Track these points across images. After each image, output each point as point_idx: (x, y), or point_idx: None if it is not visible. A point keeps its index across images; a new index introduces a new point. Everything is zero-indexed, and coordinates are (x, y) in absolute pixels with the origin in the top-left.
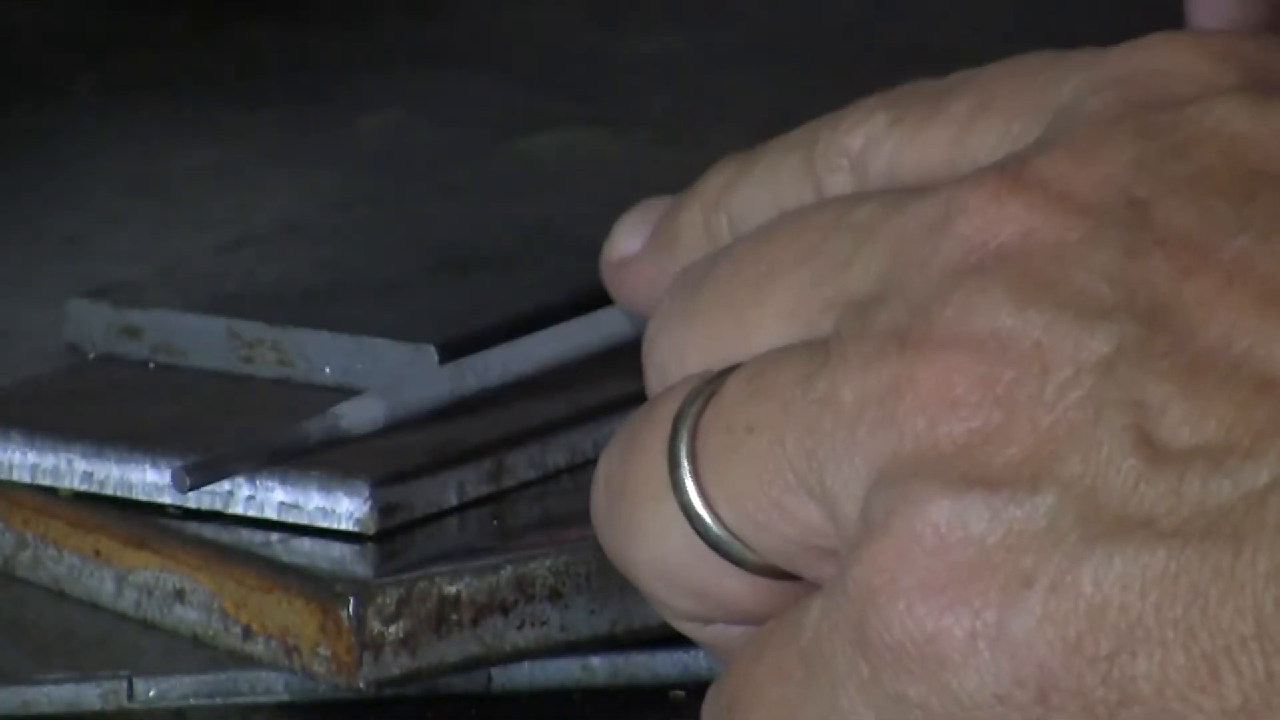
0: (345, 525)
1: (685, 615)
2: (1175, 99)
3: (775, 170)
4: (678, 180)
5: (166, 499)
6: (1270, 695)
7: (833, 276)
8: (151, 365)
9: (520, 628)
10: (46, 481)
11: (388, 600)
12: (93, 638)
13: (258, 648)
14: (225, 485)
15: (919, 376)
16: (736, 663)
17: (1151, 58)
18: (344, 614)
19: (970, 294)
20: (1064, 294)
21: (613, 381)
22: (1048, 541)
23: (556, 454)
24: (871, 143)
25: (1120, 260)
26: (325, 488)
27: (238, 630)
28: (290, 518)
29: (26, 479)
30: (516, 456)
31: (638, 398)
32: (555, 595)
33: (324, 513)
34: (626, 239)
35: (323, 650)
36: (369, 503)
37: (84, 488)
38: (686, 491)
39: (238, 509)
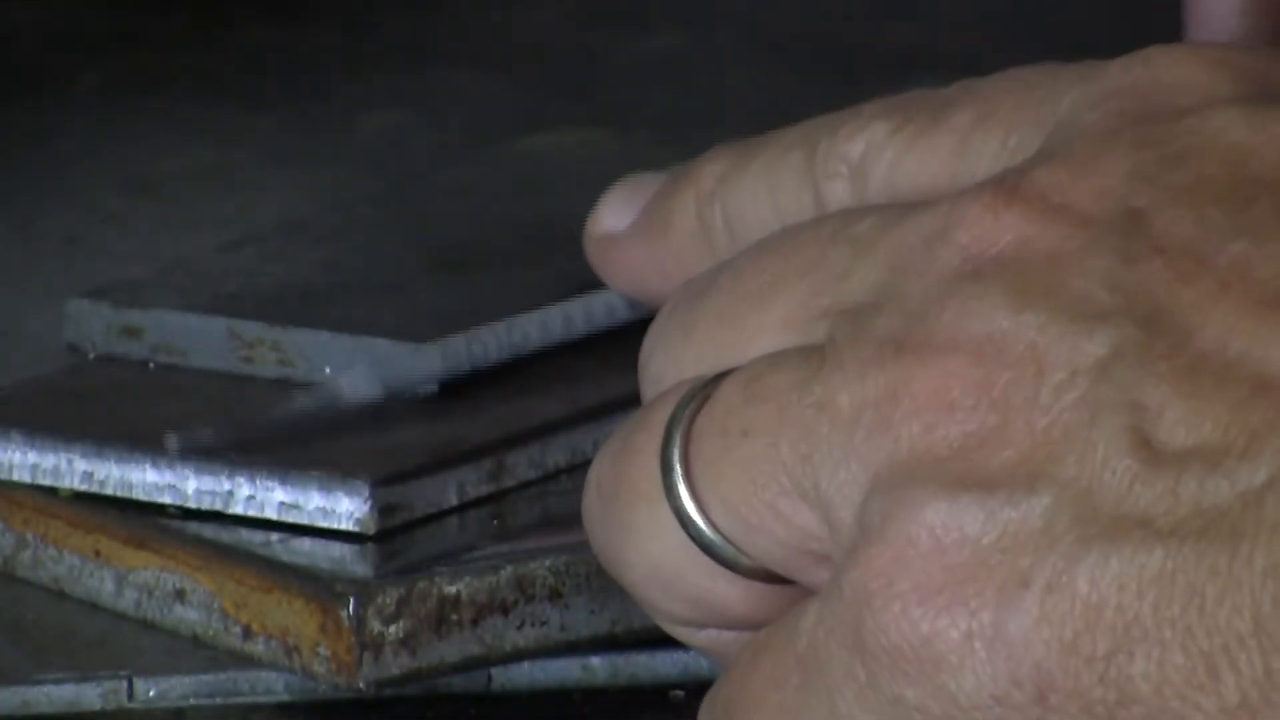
0: (345, 525)
1: (678, 620)
2: (1173, 110)
3: (773, 168)
4: None
5: (166, 499)
6: (1269, 692)
7: (831, 287)
8: (151, 365)
9: (520, 628)
10: (46, 481)
11: (388, 600)
12: (93, 638)
13: (258, 648)
14: (225, 485)
15: (915, 381)
16: (733, 669)
17: (1150, 70)
18: (344, 614)
19: (967, 299)
20: (1061, 298)
21: (613, 381)
22: (1044, 542)
23: (556, 454)
24: (872, 150)
25: (1118, 266)
26: (325, 488)
27: (238, 630)
28: (290, 518)
29: (26, 479)
30: (516, 456)
31: (638, 397)
32: (555, 595)
33: (324, 513)
34: (613, 215)
35: (323, 650)
36: (369, 503)
37: (84, 488)
38: (679, 495)
39: (238, 509)
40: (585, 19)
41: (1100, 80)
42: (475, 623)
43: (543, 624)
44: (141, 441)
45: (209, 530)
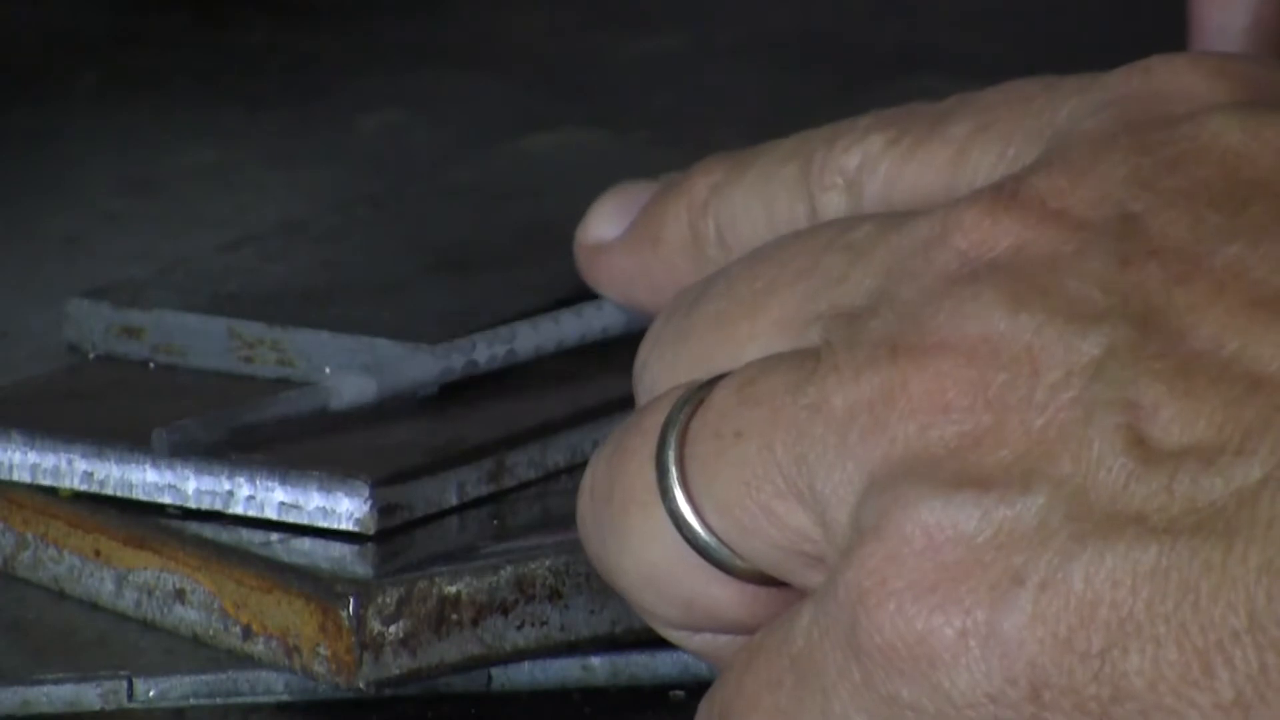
0: (345, 525)
1: (673, 624)
2: (1170, 116)
3: (768, 180)
4: None
5: (166, 499)
6: (1264, 688)
7: (826, 292)
8: (151, 365)
9: (520, 628)
10: (46, 481)
11: (388, 600)
12: (93, 638)
13: (258, 648)
14: (225, 485)
15: (910, 382)
16: (728, 672)
17: (1149, 78)
18: (344, 614)
19: (963, 300)
20: (1056, 299)
21: (613, 381)
22: (1038, 540)
23: (556, 454)
24: (868, 162)
25: (1113, 268)
26: (325, 488)
27: (238, 630)
28: (290, 518)
29: (26, 479)
30: (516, 456)
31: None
32: (555, 595)
33: (324, 513)
34: (603, 223)
35: (323, 650)
36: (369, 503)
37: (84, 488)
38: (675, 498)
39: (238, 509)
40: (585, 19)
41: (1099, 89)
42: (475, 623)
43: (543, 624)
44: (141, 441)
45: (209, 530)
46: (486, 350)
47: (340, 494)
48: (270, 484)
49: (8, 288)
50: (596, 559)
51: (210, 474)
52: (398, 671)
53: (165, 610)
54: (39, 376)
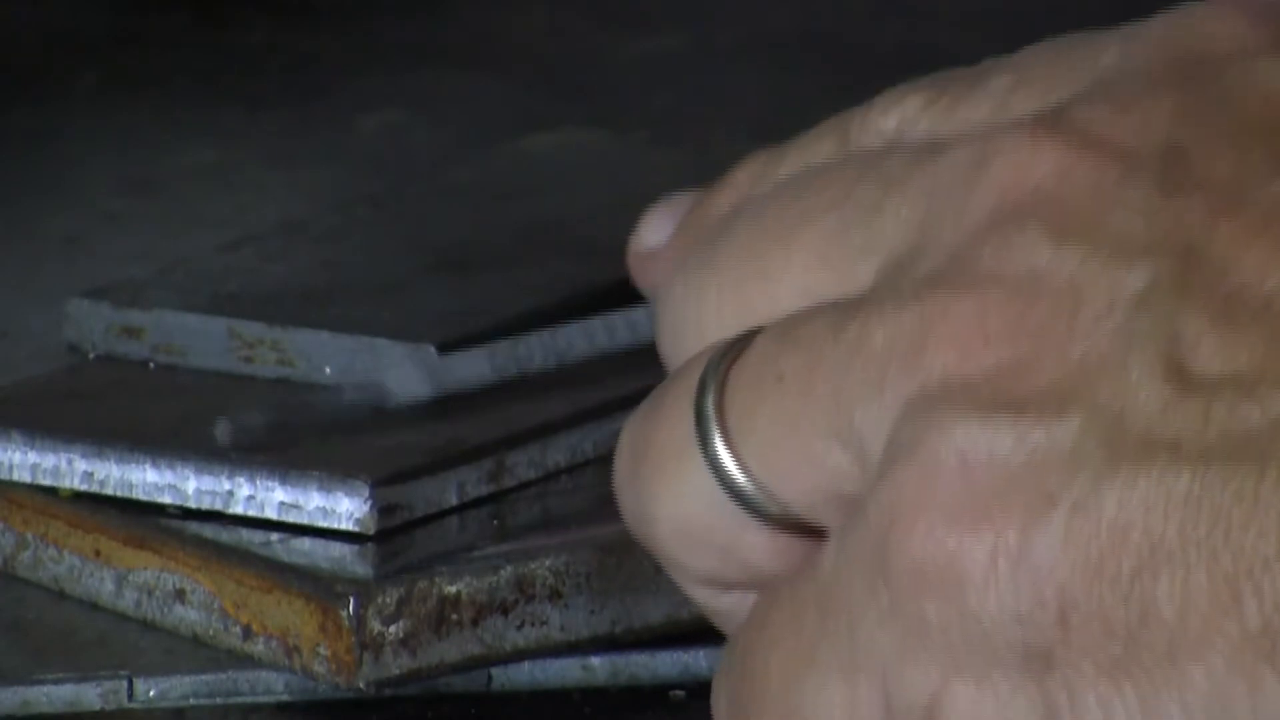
0: (345, 525)
1: (703, 578)
2: (1216, 57)
3: (807, 157)
4: (677, 180)
5: (166, 499)
6: None
7: (861, 222)
8: (151, 365)
9: (520, 628)
10: (46, 481)
11: (388, 600)
12: (93, 638)
13: (258, 648)
14: (225, 485)
15: (951, 314)
16: (752, 613)
17: (1192, 23)
18: (344, 614)
19: (1007, 235)
20: (1100, 232)
21: (612, 381)
22: (1072, 464)
23: (556, 454)
24: (905, 122)
25: (1157, 199)
26: (325, 488)
27: (238, 630)
28: (290, 518)
29: (26, 479)
30: (516, 456)
31: (638, 397)
32: (555, 595)
33: (324, 513)
34: (652, 231)
35: (323, 650)
36: (369, 503)
37: (84, 488)
38: (714, 445)
39: (238, 509)
40: (585, 19)
41: (1143, 35)
42: (475, 623)
43: (543, 624)
44: (141, 441)
45: (209, 530)
46: (540, 352)
47: (340, 494)
48: (270, 484)
49: (8, 288)
50: (629, 515)
51: (210, 474)
52: (398, 671)
53: (165, 610)
54: (39, 376)
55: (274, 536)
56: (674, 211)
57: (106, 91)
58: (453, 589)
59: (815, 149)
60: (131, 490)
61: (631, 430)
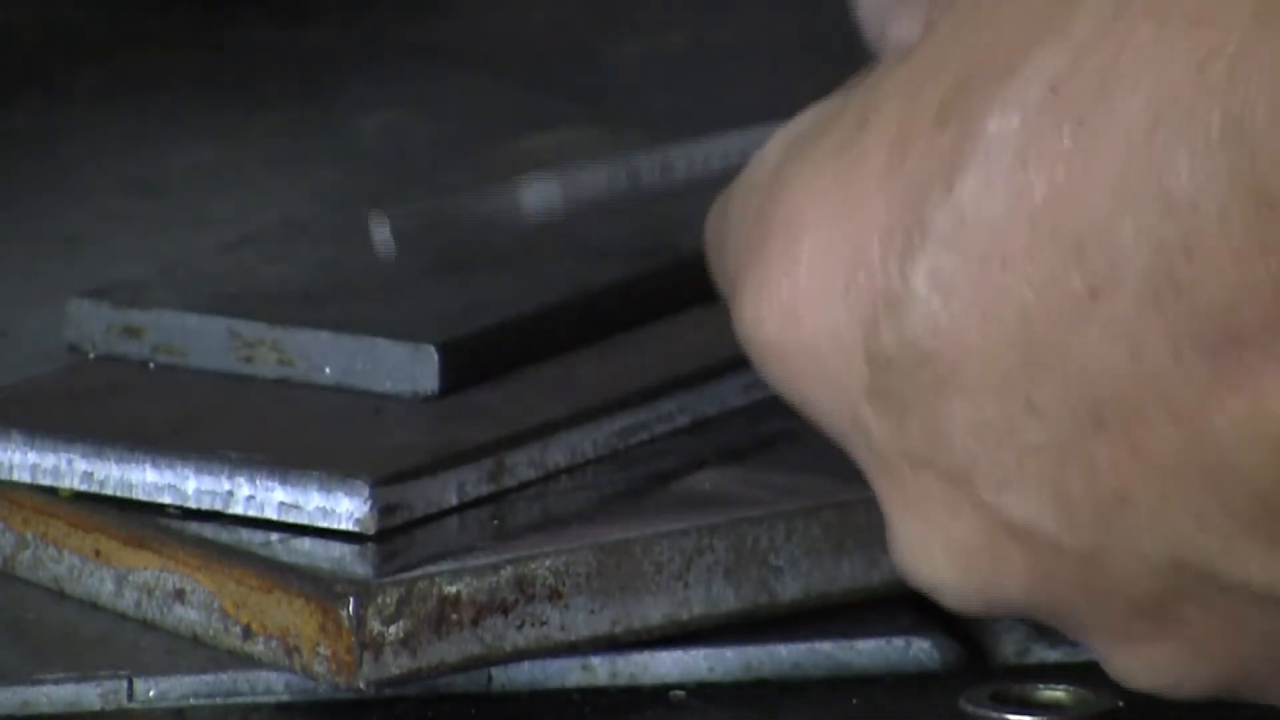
0: (345, 525)
1: None
2: None
3: None
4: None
5: (166, 499)
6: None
7: None
8: (151, 365)
9: (520, 628)
10: (46, 481)
11: (388, 600)
12: (93, 638)
13: (258, 648)
14: (225, 485)
15: None
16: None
17: None
18: (344, 614)
19: None
20: None
21: (613, 381)
22: None
23: (556, 454)
24: None
25: None
26: (325, 488)
27: (238, 630)
28: (290, 518)
29: (26, 479)
30: (516, 456)
31: (638, 396)
32: (555, 595)
33: (324, 513)
34: None
35: (323, 650)
36: (369, 503)
37: (84, 488)
38: None
39: (238, 509)
40: (585, 19)
41: None
42: (475, 623)
43: (543, 624)
44: (141, 441)
45: (209, 530)
46: (650, 175)
47: (340, 494)
48: (270, 484)
49: (8, 288)
50: None
51: (210, 474)
52: (398, 671)
53: (165, 610)
54: (39, 376)
55: (274, 536)
56: None
57: (106, 91)
58: (453, 589)
59: None
60: (131, 490)
61: None
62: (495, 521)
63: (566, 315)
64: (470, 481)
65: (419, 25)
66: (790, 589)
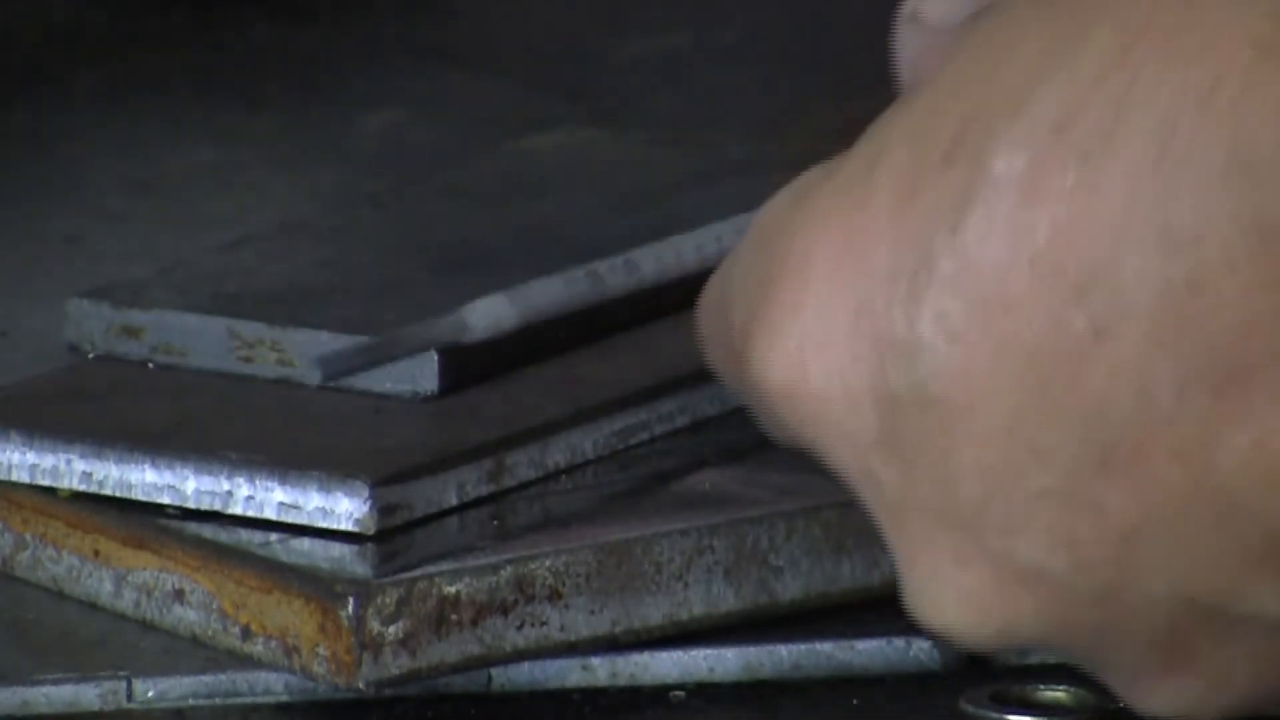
0: (345, 525)
1: None
2: None
3: None
4: (678, 180)
5: (165, 499)
6: None
7: None
8: (151, 365)
9: (520, 628)
10: (46, 481)
11: (387, 600)
12: (92, 638)
13: (257, 648)
14: (225, 485)
15: None
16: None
17: None
18: (344, 614)
19: None
20: None
21: (613, 381)
22: None
23: (556, 454)
24: None
25: None
26: (325, 488)
27: (237, 630)
28: (290, 518)
29: (26, 479)
30: (516, 456)
31: (638, 396)
32: (555, 595)
33: (324, 513)
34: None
35: (322, 650)
36: (369, 503)
37: (83, 488)
38: None
39: (237, 509)
40: (585, 19)
41: None
42: (475, 623)
43: (542, 624)
44: (141, 441)
45: (209, 530)
46: (615, 277)
47: (340, 494)
48: (270, 484)
49: (8, 288)
50: None
51: (209, 474)
52: (397, 672)
53: (164, 610)
54: (39, 376)
55: (273, 537)
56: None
57: (106, 91)
58: (452, 589)
59: None
60: (130, 490)
61: None
62: (495, 521)
63: (566, 315)
64: (470, 481)
65: (419, 25)
66: (790, 589)
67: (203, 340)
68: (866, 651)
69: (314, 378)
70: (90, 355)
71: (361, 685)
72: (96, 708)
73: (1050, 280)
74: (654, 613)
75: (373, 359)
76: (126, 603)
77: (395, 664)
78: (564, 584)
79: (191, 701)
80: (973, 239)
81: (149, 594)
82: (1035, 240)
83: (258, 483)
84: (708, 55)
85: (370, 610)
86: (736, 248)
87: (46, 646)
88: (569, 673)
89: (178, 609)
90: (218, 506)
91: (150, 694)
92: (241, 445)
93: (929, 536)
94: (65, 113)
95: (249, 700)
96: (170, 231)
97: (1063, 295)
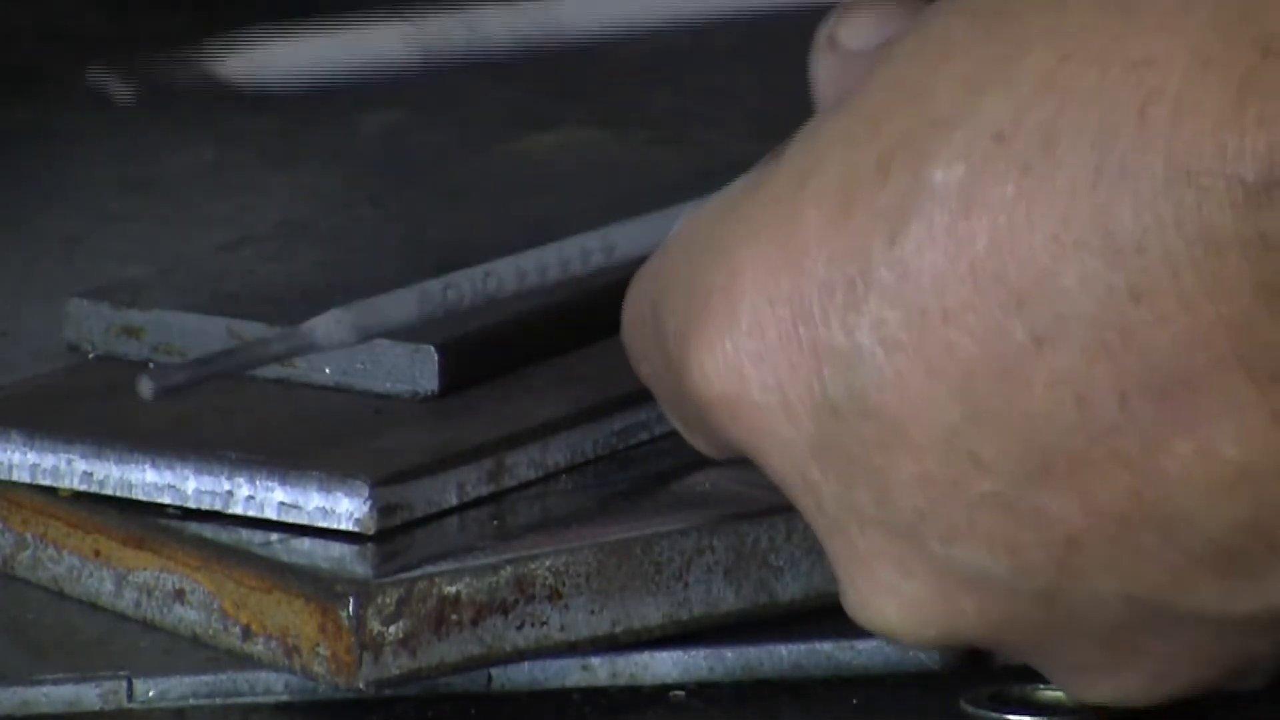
0: (345, 525)
1: None
2: None
3: None
4: (677, 180)
5: (166, 499)
6: None
7: None
8: (151, 365)
9: (520, 628)
10: (46, 481)
11: (388, 600)
12: (93, 638)
13: (257, 648)
14: (225, 485)
15: None
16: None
17: None
18: (344, 614)
19: None
20: None
21: (613, 382)
22: None
23: (556, 454)
24: None
25: None
26: (325, 488)
27: (237, 630)
28: (290, 518)
29: (26, 479)
30: (516, 456)
31: (638, 397)
32: (555, 595)
33: (324, 513)
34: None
35: (322, 650)
36: (369, 503)
37: (84, 488)
38: None
39: (237, 509)
40: None
41: None
42: (475, 623)
43: (542, 624)
44: (141, 441)
45: (209, 530)
46: (468, 285)
47: (340, 494)
48: (270, 484)
49: (8, 288)
50: None
51: (210, 474)
52: (397, 672)
53: (165, 610)
54: (39, 376)
55: (274, 536)
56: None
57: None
58: (452, 589)
59: None
60: (131, 490)
61: None
62: (495, 521)
63: (566, 315)
64: (470, 481)
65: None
66: (790, 589)
67: (202, 340)
68: (866, 651)
69: (147, 392)
70: (90, 355)
71: (361, 685)
72: (97, 708)
73: (990, 289)
74: (654, 613)
75: (206, 374)
76: (127, 602)
77: (395, 664)
78: (564, 584)
79: (192, 701)
80: (911, 248)
81: (149, 594)
82: (975, 249)
83: (258, 483)
84: (708, 55)
85: (370, 610)
86: (653, 261)
87: (47, 646)
88: (569, 673)
89: (178, 609)
90: (218, 506)
91: (151, 694)
92: (241, 445)
93: (869, 545)
94: (65, 113)
95: (249, 700)
96: (170, 231)
97: (1003, 304)
